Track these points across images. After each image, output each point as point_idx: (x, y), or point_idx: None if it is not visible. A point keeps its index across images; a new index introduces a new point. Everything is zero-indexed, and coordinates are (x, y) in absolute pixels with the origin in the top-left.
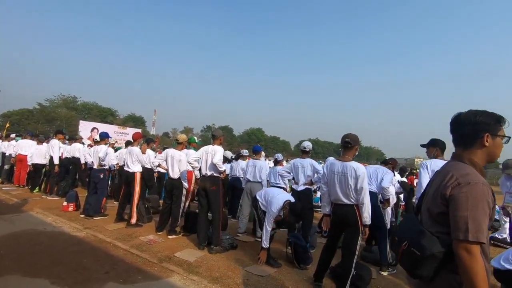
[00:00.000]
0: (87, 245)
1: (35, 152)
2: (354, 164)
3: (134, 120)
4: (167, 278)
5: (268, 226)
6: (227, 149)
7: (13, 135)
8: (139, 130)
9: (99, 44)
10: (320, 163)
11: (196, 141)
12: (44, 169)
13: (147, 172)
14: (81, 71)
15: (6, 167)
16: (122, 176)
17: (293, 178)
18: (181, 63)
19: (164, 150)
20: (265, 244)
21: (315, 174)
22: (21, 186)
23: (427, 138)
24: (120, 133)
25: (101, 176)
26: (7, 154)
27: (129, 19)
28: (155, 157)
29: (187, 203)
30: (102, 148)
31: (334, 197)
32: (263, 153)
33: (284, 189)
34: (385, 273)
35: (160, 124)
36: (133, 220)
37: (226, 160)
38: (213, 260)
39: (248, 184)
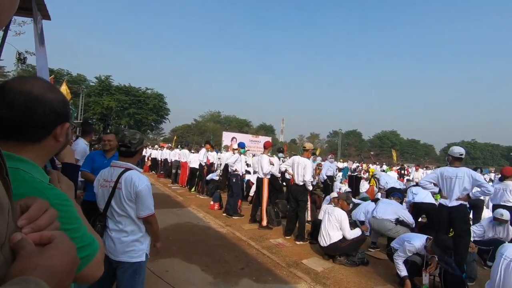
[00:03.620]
0: (227, 241)
1: (192, 159)
2: None
3: (265, 129)
4: (295, 284)
5: (399, 259)
6: (356, 154)
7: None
8: (269, 139)
9: (232, 61)
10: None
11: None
12: (198, 173)
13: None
14: (221, 87)
15: (173, 171)
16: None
17: (440, 191)
18: (305, 69)
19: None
20: (402, 272)
21: (477, 187)
22: (183, 186)
23: None
24: (253, 141)
25: (234, 180)
26: (173, 160)
27: (253, 30)
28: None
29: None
30: (234, 156)
31: None
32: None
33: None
34: None
35: (288, 131)
36: (264, 223)
37: None
38: (341, 274)
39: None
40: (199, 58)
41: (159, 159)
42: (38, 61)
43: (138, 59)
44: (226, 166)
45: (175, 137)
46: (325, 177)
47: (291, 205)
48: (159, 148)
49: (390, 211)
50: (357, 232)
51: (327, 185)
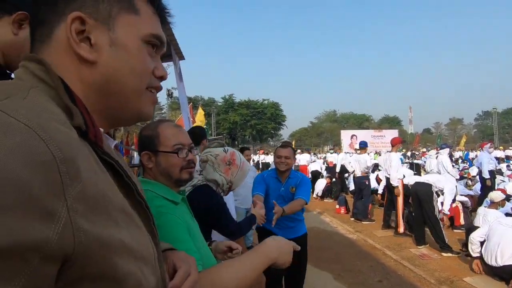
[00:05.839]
0: (359, 248)
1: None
2: None
3: (389, 121)
4: None
5: None
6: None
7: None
8: (396, 132)
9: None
10: None
11: None
12: (320, 176)
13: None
14: (338, 84)
15: None
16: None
17: None
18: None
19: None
20: None
21: None
22: None
23: None
24: (376, 137)
25: (366, 183)
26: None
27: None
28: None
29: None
30: (365, 157)
31: None
32: None
33: None
34: None
35: (418, 121)
36: (401, 229)
37: None
38: None
39: None
40: (307, 60)
41: None
42: (180, 95)
43: (253, 73)
44: (342, 167)
45: (293, 142)
46: (488, 175)
47: (415, 208)
48: None
49: None
50: None
51: (485, 185)
